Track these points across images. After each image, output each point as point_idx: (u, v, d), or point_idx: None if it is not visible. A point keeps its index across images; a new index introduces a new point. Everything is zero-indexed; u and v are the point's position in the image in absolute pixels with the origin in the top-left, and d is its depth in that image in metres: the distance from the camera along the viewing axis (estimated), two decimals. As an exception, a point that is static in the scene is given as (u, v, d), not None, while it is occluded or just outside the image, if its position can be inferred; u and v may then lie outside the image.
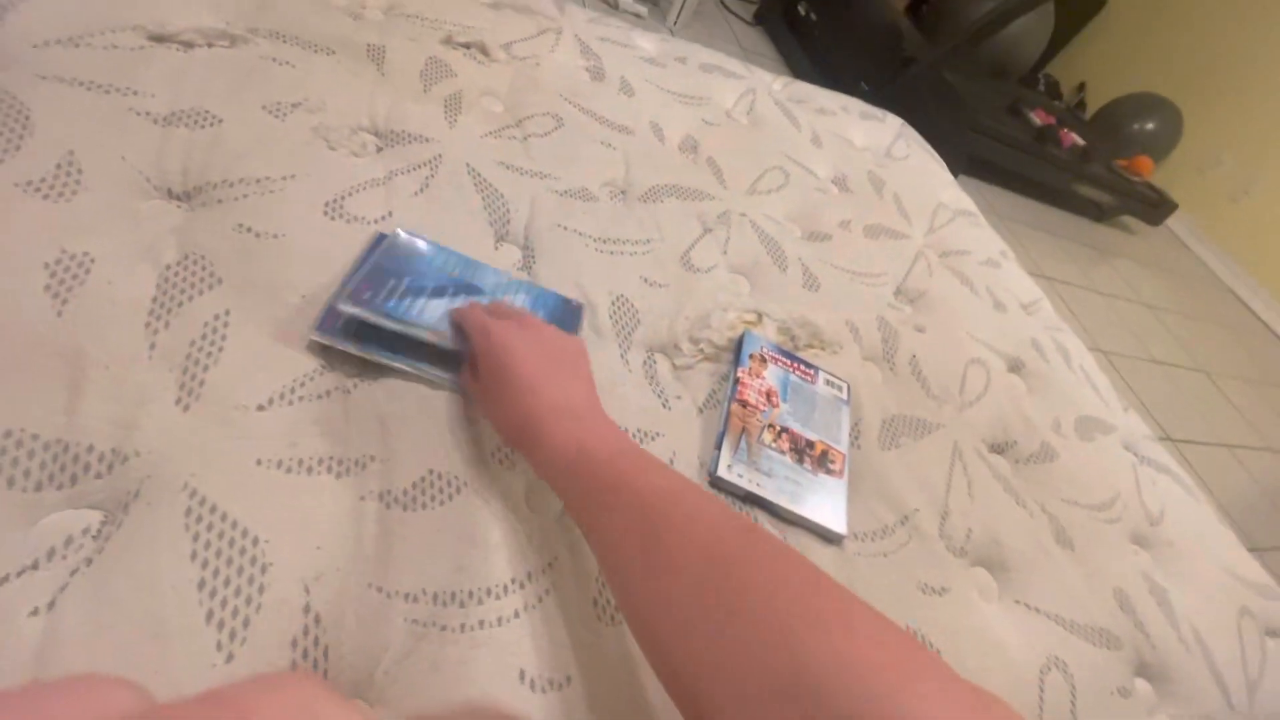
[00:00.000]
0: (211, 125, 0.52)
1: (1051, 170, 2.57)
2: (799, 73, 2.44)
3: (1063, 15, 3.27)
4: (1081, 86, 3.91)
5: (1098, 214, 3.09)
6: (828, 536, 0.54)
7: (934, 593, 0.56)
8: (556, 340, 0.43)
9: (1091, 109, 3.65)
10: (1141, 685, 0.62)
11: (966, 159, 2.31)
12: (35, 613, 0.30)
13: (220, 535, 0.34)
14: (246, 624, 0.32)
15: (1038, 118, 2.65)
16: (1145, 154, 3.09)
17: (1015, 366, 0.90)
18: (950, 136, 1.77)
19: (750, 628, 0.26)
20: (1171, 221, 3.31)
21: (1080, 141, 2.70)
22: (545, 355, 0.41)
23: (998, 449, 0.77)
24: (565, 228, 0.65)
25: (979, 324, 0.92)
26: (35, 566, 0.31)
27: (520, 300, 0.53)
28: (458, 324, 0.45)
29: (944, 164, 1.34)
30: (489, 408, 0.42)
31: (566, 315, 0.56)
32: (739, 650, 0.26)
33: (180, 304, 0.42)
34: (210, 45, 0.58)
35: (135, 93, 0.51)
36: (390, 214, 0.55)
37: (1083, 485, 0.77)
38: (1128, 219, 3.21)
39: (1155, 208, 3.02)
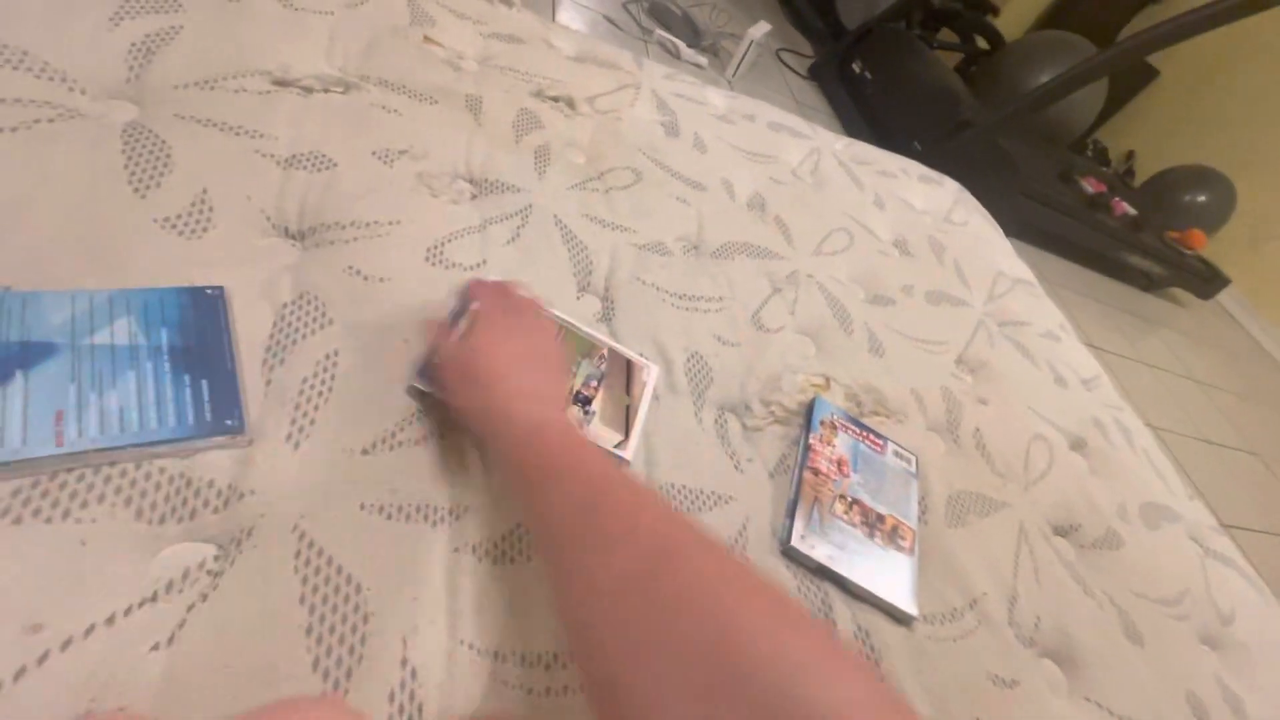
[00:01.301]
0: (327, 168, 0.55)
1: (1102, 238, 2.55)
2: (851, 127, 2.48)
3: (1115, 83, 3.28)
4: (1130, 154, 3.88)
5: (1147, 284, 3.04)
6: (898, 617, 0.53)
7: (1004, 685, 0.54)
8: (538, 335, 0.45)
9: (1140, 177, 3.62)
10: (1217, 801, 0.58)
11: (1017, 223, 2.30)
12: (156, 647, 0.30)
13: (327, 580, 0.35)
14: (349, 675, 0.32)
15: (1090, 185, 2.64)
16: (1197, 226, 3.04)
17: (1077, 445, 0.88)
18: (1001, 200, 1.77)
19: (682, 614, 0.25)
20: (1223, 296, 3.23)
21: (1132, 211, 2.67)
22: (525, 347, 0.43)
23: (1062, 532, 0.74)
24: (643, 281, 0.66)
25: (1040, 399, 0.90)
26: (154, 599, 0.32)
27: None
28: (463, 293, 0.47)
29: (1000, 231, 1.34)
30: (460, 383, 0.41)
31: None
32: (667, 634, 0.25)
33: (294, 341, 0.44)
34: (327, 91, 0.61)
35: (261, 135, 0.54)
36: (485, 261, 0.56)
37: (1150, 577, 0.74)
38: (1178, 291, 3.14)
39: (1207, 282, 2.96)
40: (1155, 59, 3.67)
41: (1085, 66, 1.90)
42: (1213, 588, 0.79)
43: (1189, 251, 2.90)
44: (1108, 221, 2.53)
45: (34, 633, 0.28)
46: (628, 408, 0.53)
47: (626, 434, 0.51)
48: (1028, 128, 2.60)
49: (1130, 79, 3.75)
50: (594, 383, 0.53)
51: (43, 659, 0.28)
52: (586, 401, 0.51)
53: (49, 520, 0.31)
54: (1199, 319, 3.19)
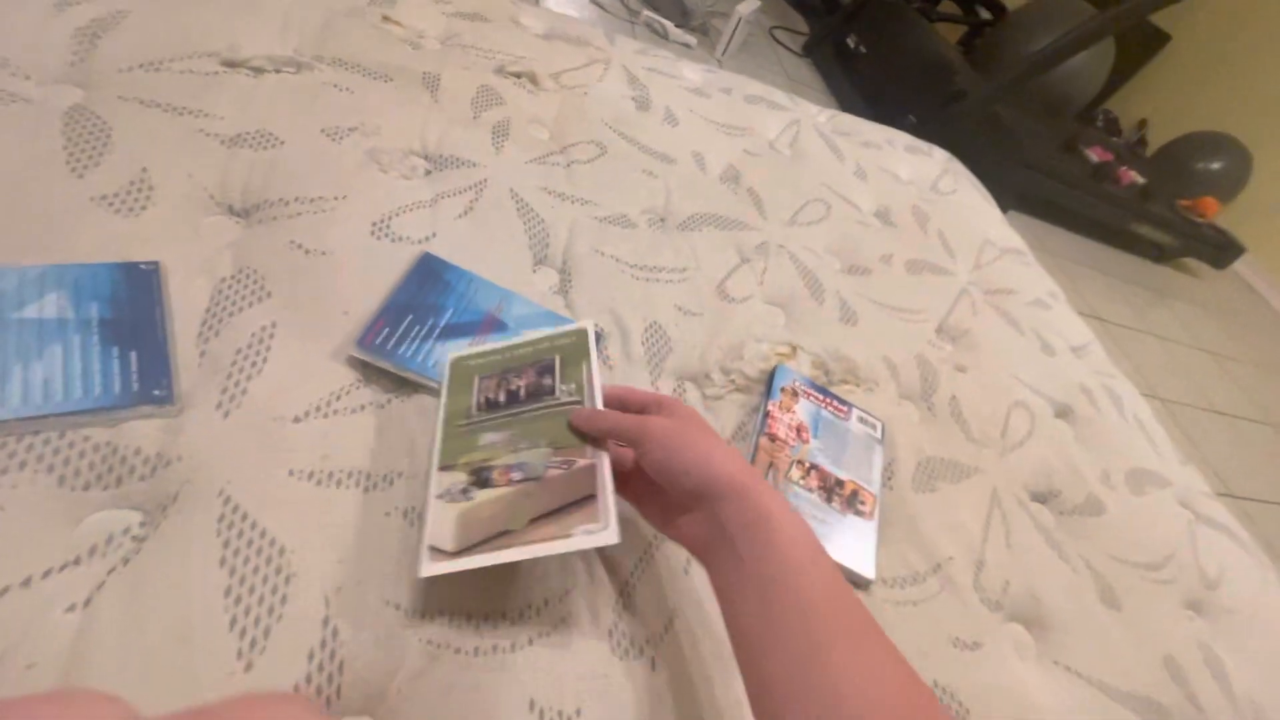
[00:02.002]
0: (273, 147, 0.55)
1: (1108, 208, 2.49)
2: (846, 105, 2.44)
3: (1124, 51, 3.19)
4: (1142, 123, 3.78)
5: (1158, 255, 2.97)
6: (855, 581, 0.52)
7: (966, 648, 0.53)
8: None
9: (1153, 147, 3.53)
10: (1192, 763, 0.57)
11: (1017, 195, 2.26)
12: (72, 609, 0.31)
13: (249, 544, 0.35)
14: (267, 634, 0.33)
15: (1094, 154, 2.57)
16: (1211, 194, 2.96)
17: (1063, 412, 0.86)
18: (1000, 172, 1.73)
19: None
20: (1239, 265, 3.15)
21: (1139, 179, 2.60)
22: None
23: (1040, 498, 0.73)
24: (603, 253, 0.65)
25: (1024, 366, 0.88)
26: (77, 562, 0.32)
27: (543, 331, 0.54)
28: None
29: (992, 200, 1.31)
30: (686, 455, 0.36)
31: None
32: None
33: (231, 315, 0.44)
34: (278, 71, 0.61)
35: (206, 114, 0.54)
36: (434, 235, 0.56)
37: (1133, 542, 0.73)
38: (1190, 261, 3.07)
39: (1221, 250, 2.88)
40: (1167, 23, 3.57)
41: (1082, 30, 1.85)
42: (1200, 552, 0.77)
43: (1201, 220, 2.83)
44: (1114, 191, 2.47)
45: (-55, 593, 0.29)
46: (523, 543, 0.36)
47: (461, 549, 0.36)
48: (1030, 98, 2.54)
49: (1141, 44, 3.64)
50: (516, 474, 0.39)
51: (-48, 618, 0.28)
52: (484, 483, 0.39)
53: (-35, 486, 0.32)
54: (1213, 289, 3.12)
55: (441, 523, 0.37)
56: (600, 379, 0.44)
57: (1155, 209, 2.59)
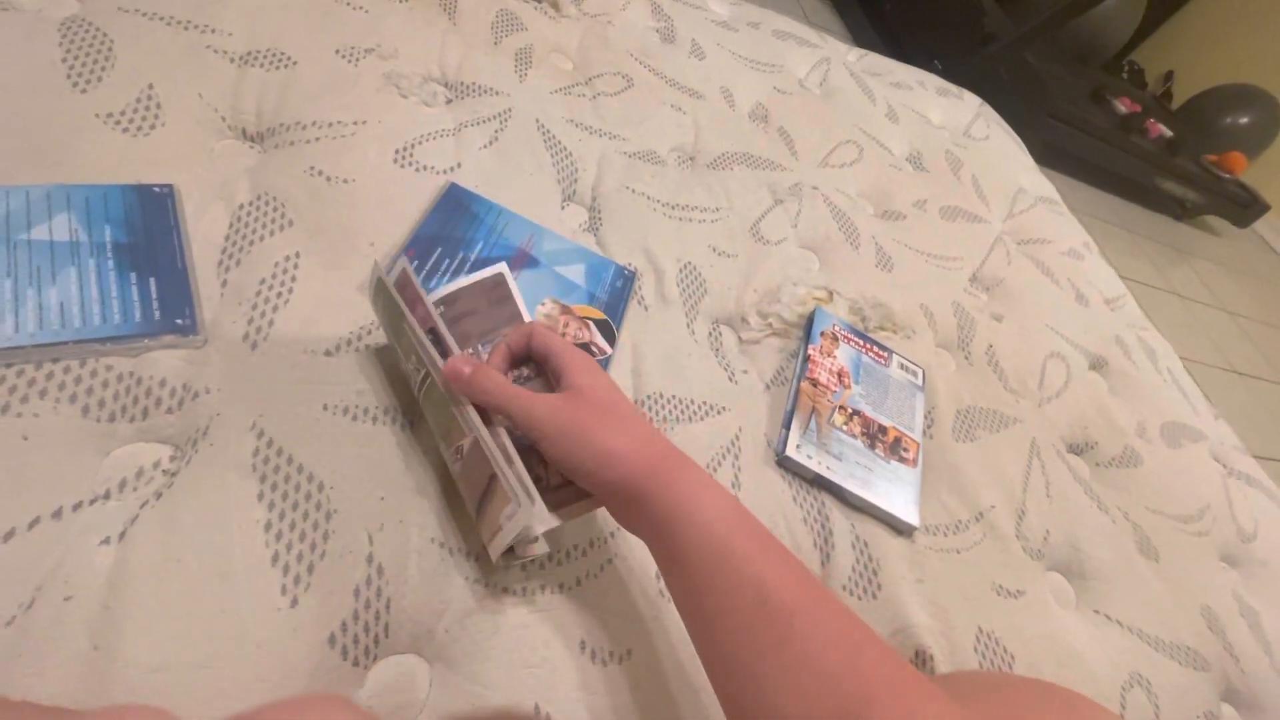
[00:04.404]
0: (286, 66, 0.51)
1: (1133, 163, 2.41)
2: (868, 49, 2.34)
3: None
4: (1168, 75, 3.64)
5: (1179, 212, 2.89)
6: (898, 527, 0.51)
7: (1009, 595, 0.52)
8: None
9: (1179, 100, 3.40)
10: (1229, 712, 0.57)
11: (1041, 146, 2.18)
12: (106, 541, 0.29)
13: (287, 479, 0.33)
14: (311, 570, 0.31)
15: (1123, 105, 2.48)
16: (1238, 149, 2.86)
17: (1097, 364, 0.84)
18: (1027, 121, 1.66)
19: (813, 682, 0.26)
20: (1259, 225, 3.07)
21: (1168, 133, 2.51)
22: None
23: (1077, 450, 0.72)
24: (633, 190, 0.62)
25: (1059, 317, 0.86)
26: (107, 496, 0.31)
27: (577, 268, 0.51)
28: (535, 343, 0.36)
29: (1024, 147, 1.26)
30: (580, 455, 0.31)
31: (622, 283, 0.53)
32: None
33: (252, 243, 0.41)
34: (286, -13, 0.57)
35: (213, 30, 0.50)
36: (459, 165, 0.53)
37: (1169, 494, 0.71)
38: (1212, 219, 3.00)
39: (1244, 208, 2.80)
40: (1200, -32, 3.39)
41: (1124, -31, 1.74)
42: (1235, 506, 0.76)
43: (1227, 175, 2.74)
44: (1141, 144, 2.39)
45: (-29, 524, 0.27)
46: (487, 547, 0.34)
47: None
48: (1058, 45, 2.43)
49: (1171, -8, 3.47)
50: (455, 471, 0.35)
51: (-18, 549, 0.27)
52: None
53: (-15, 414, 0.30)
54: (1234, 247, 3.05)
55: None
56: (439, 318, 0.35)
57: (1181, 164, 2.51)
